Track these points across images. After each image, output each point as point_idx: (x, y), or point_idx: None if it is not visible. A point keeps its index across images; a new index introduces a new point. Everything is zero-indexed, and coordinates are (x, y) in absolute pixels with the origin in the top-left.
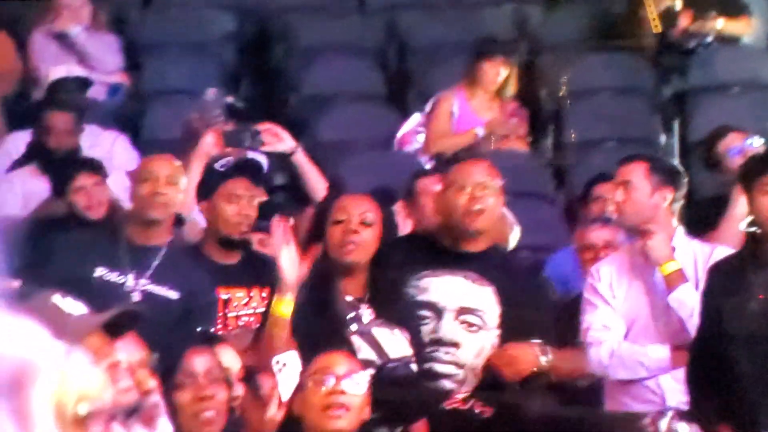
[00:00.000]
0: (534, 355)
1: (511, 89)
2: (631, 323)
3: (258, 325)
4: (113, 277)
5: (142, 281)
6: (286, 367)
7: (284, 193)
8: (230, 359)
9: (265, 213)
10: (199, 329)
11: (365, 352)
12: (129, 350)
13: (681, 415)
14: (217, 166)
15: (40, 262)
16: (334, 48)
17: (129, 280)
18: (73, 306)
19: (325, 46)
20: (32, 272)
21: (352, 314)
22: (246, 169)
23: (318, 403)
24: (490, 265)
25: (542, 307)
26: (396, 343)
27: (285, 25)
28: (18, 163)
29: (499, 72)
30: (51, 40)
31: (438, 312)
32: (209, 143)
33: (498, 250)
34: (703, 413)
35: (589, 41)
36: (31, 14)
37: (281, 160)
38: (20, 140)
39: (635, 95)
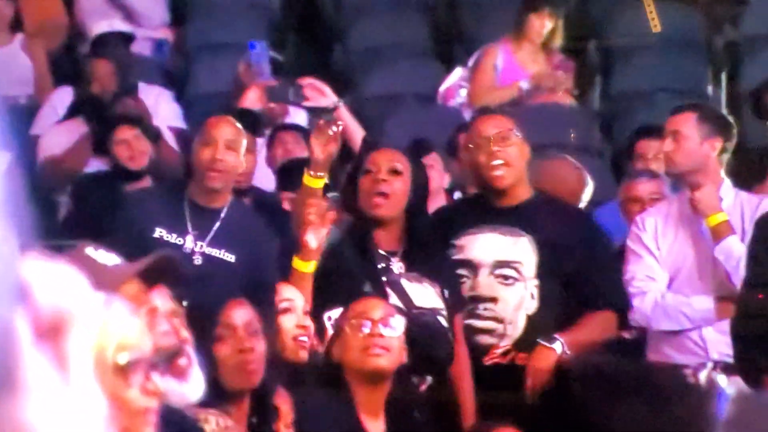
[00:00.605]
0: (551, 358)
1: (558, 41)
2: (675, 274)
3: None
4: (172, 238)
5: (200, 243)
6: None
7: None
8: (292, 293)
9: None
10: None
11: (392, 300)
12: (163, 299)
13: (722, 368)
14: None
15: (95, 217)
16: (381, 2)
17: (188, 242)
18: (106, 257)
19: (372, 0)
20: (84, 226)
21: (382, 265)
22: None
23: (357, 345)
24: (526, 216)
25: (587, 251)
26: (424, 295)
27: None
28: (65, 117)
29: (545, 24)
30: None
31: (474, 269)
32: (252, 99)
33: (536, 199)
34: (748, 366)
35: None
36: None
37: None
38: (66, 95)
39: (686, 45)
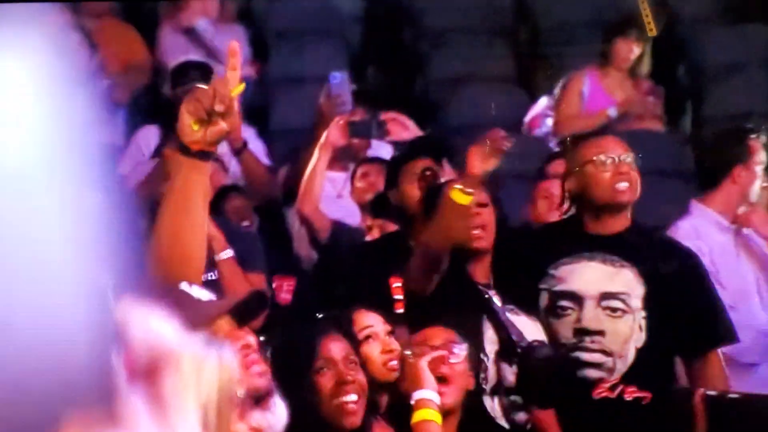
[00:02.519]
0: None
1: (646, 67)
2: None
3: None
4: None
5: None
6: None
7: None
8: (371, 319)
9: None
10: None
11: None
12: (254, 336)
13: None
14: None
15: None
16: (463, 29)
17: None
18: (200, 292)
19: (454, 28)
20: None
21: (486, 296)
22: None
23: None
24: (626, 245)
25: (690, 280)
26: (528, 327)
27: (412, 6)
28: (154, 155)
29: (632, 49)
30: (179, 34)
31: (579, 301)
32: (335, 134)
33: (637, 227)
34: None
35: (728, 14)
36: (159, 9)
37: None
38: (151, 134)
39: None
